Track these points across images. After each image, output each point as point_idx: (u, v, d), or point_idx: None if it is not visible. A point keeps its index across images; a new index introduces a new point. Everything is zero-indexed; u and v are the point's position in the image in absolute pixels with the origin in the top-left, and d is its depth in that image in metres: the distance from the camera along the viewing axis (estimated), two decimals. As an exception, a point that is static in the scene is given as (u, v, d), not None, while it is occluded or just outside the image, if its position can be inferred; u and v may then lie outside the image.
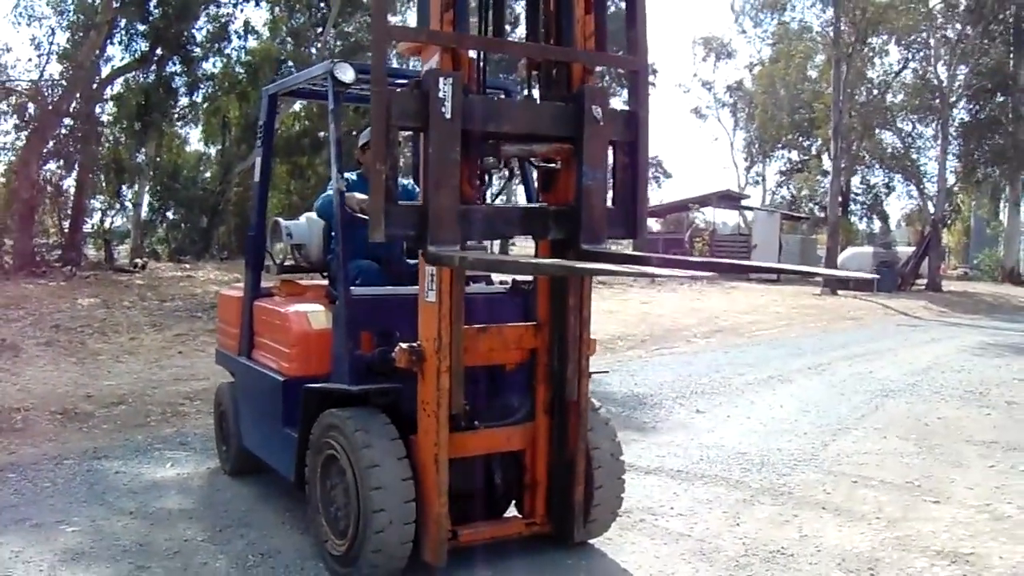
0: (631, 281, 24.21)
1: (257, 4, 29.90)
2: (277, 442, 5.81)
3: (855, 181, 45.80)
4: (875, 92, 38.40)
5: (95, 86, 25.28)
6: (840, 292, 28.49)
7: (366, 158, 6.12)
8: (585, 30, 4.97)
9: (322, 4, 31.26)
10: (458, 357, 4.63)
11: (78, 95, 24.03)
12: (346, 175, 5.77)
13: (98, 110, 26.40)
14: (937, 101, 35.29)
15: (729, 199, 42.17)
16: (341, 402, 4.91)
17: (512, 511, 5.48)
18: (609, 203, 4.97)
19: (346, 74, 5.29)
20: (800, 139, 49.81)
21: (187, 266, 24.94)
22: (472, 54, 4.91)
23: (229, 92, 30.62)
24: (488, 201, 5.26)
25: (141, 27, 25.52)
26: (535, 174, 5.22)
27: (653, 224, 44.41)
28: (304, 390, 5.19)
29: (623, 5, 5.09)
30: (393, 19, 33.34)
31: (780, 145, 52.46)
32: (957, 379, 12.13)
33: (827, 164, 39.25)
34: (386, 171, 4.22)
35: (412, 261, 5.39)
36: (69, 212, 25.08)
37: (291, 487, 5.66)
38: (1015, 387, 11.55)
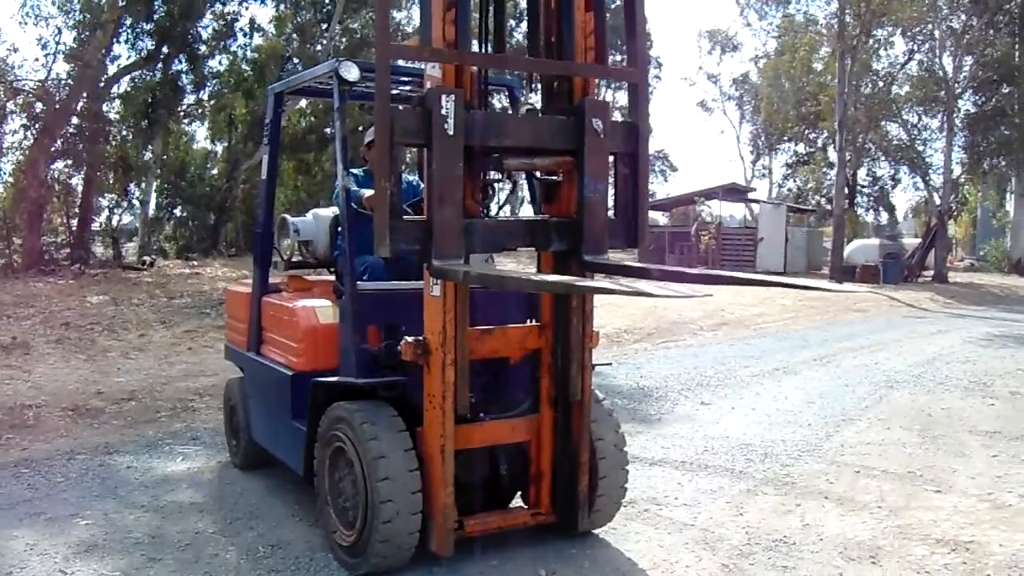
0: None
1: (263, 1, 30.02)
2: (286, 435, 5.89)
3: (861, 173, 45.64)
4: (880, 84, 38.31)
5: (102, 85, 25.33)
6: (846, 284, 28.48)
7: (372, 155, 6.20)
8: (585, 43, 5.02)
9: (327, 1, 31.28)
10: (463, 350, 4.70)
11: (85, 94, 24.09)
12: (353, 171, 5.84)
13: (105, 108, 26.44)
14: (943, 92, 35.22)
15: (735, 192, 42.12)
16: (348, 395, 4.99)
17: (517, 502, 5.56)
18: (610, 214, 5.06)
19: (351, 72, 5.34)
20: (806, 132, 49.62)
21: (195, 263, 24.98)
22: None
23: (235, 89, 30.62)
24: (493, 211, 5.33)
25: (147, 25, 25.51)
26: (538, 184, 5.28)
27: (659, 217, 44.42)
28: (312, 384, 5.26)
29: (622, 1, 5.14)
30: (397, 15, 33.46)
31: (786, 138, 52.28)
32: (962, 370, 12.17)
33: (833, 156, 39.18)
34: (391, 187, 4.29)
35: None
36: (77, 210, 25.13)
37: (300, 480, 5.74)
38: (1019, 378, 11.59)
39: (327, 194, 28.64)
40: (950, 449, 7.85)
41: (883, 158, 43.20)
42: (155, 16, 25.24)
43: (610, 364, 5.88)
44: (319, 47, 29.99)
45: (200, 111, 31.47)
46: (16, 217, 22.70)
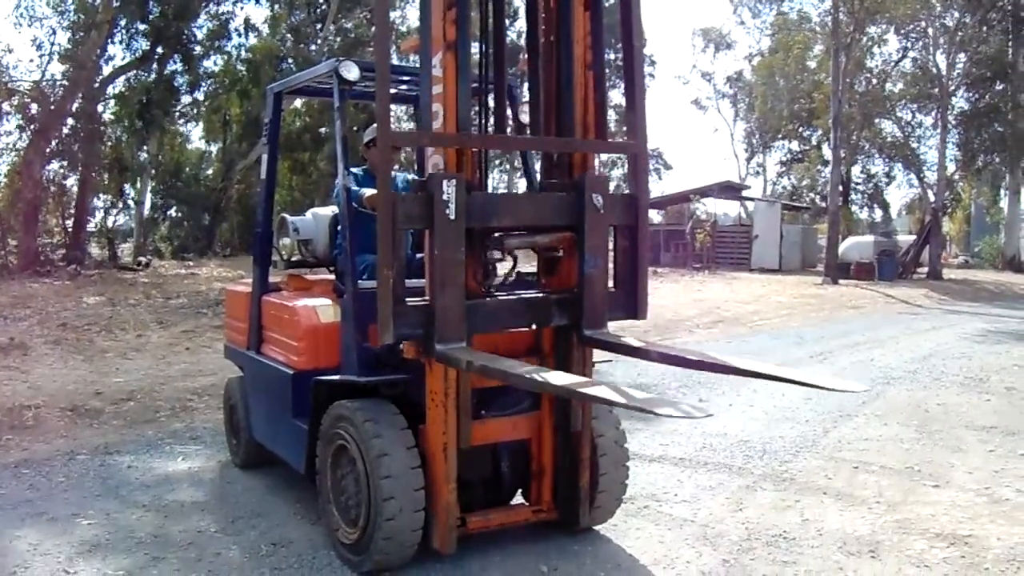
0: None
1: (257, 1, 30.01)
2: (287, 434, 5.91)
3: (855, 171, 45.78)
4: (874, 81, 38.44)
5: (97, 85, 25.34)
6: (841, 281, 28.53)
7: (371, 155, 6.23)
8: (586, 118, 5.08)
9: (321, 1, 31.31)
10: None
11: (80, 94, 24.10)
12: (352, 171, 5.86)
13: (100, 109, 26.46)
14: (936, 90, 35.32)
15: (730, 190, 42.12)
16: (350, 393, 5.02)
17: (519, 499, 5.58)
18: (610, 283, 5.13)
19: (351, 72, 5.36)
20: (800, 129, 49.75)
21: (190, 263, 25.02)
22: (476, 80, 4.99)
23: (230, 90, 30.67)
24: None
25: (141, 26, 25.54)
26: (538, 259, 5.29)
27: (654, 216, 44.39)
28: (314, 382, 5.29)
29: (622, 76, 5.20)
30: (393, 14, 33.39)
31: (780, 135, 52.41)
32: (957, 366, 12.20)
33: (827, 154, 39.28)
34: (393, 275, 4.33)
35: (419, 255, 5.47)
36: (72, 211, 25.15)
37: (301, 479, 5.77)
38: (1015, 373, 11.61)
39: (322, 194, 28.69)
40: (947, 444, 7.88)
41: (877, 155, 43.34)
42: (149, 16, 25.27)
43: (611, 361, 5.89)
44: (313, 47, 30.00)
45: (195, 111, 31.52)
46: (11, 218, 22.72)
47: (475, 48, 5.10)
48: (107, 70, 26.24)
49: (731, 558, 5.17)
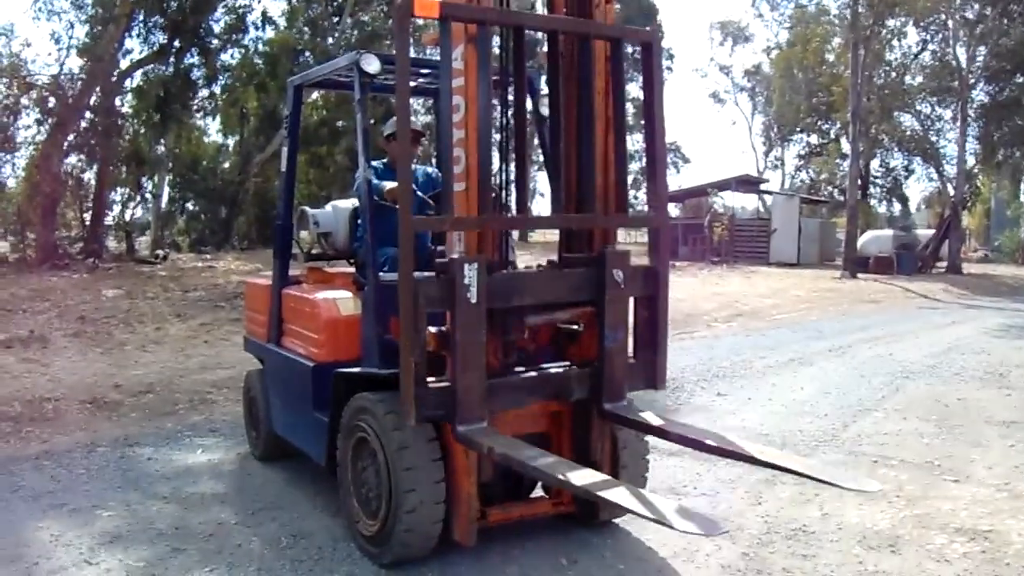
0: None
1: (274, -6, 30.01)
2: (307, 426, 5.92)
3: (874, 164, 45.62)
4: (893, 75, 38.26)
5: (114, 79, 25.37)
6: (860, 275, 28.48)
7: (391, 148, 6.23)
8: (607, 193, 5.10)
9: (338, -7, 31.32)
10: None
11: (98, 88, 24.17)
12: (373, 164, 5.86)
13: (118, 103, 26.51)
14: (956, 83, 35.13)
15: (748, 183, 42.06)
16: (371, 386, 5.01)
17: (539, 491, 5.59)
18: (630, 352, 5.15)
19: (372, 65, 5.36)
20: (818, 123, 49.59)
21: (208, 257, 25.05)
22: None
23: (247, 83, 30.65)
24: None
25: (159, 19, 25.55)
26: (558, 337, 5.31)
27: (672, 209, 44.32)
28: (334, 375, 5.30)
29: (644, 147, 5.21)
30: None
31: (798, 129, 52.26)
32: (977, 360, 12.16)
33: (846, 147, 39.08)
34: (416, 358, 4.33)
35: (440, 248, 5.48)
36: (90, 205, 25.22)
37: (320, 471, 5.80)
38: (1035, 368, 11.58)
39: (339, 187, 28.69)
40: (967, 439, 7.86)
41: (896, 149, 43.15)
42: (167, 10, 25.27)
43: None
44: (331, 40, 30.00)
45: (212, 105, 31.49)
46: (30, 212, 22.78)
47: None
48: (125, 64, 26.30)
49: (751, 551, 5.17)
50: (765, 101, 57.98)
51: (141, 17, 25.28)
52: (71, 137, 23.62)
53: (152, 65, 26.91)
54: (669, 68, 61.13)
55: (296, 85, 6.71)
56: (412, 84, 5.42)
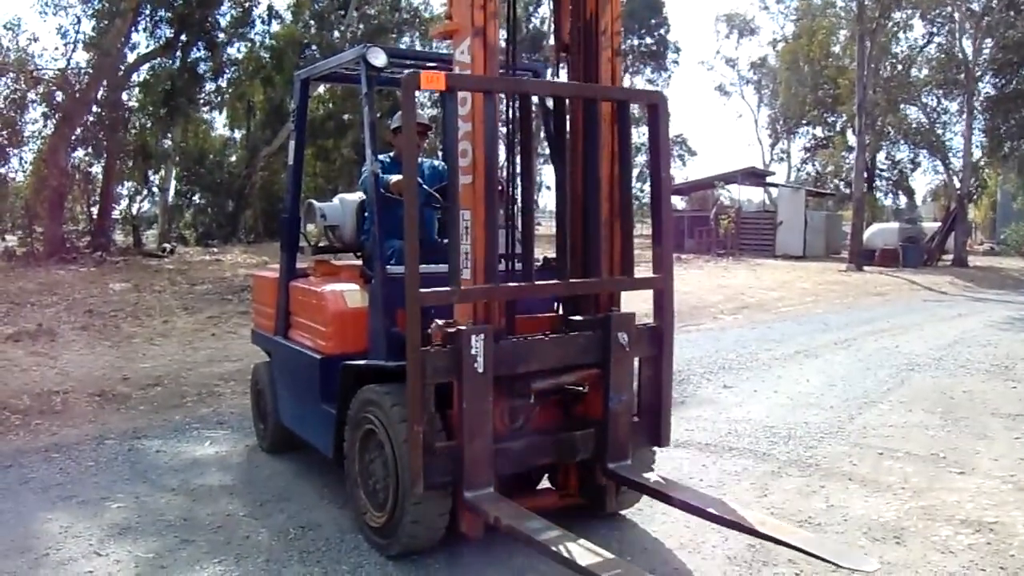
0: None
1: (280, -12, 30.04)
2: (315, 419, 5.95)
3: (880, 157, 45.57)
4: (899, 67, 38.18)
5: (121, 73, 25.43)
6: (866, 268, 28.47)
7: (397, 141, 6.25)
8: (612, 261, 5.15)
9: (344, -13, 31.32)
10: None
11: (104, 82, 24.22)
12: (379, 157, 5.87)
13: (124, 97, 26.57)
14: (962, 75, 35.03)
15: (754, 176, 41.99)
16: (379, 378, 5.02)
17: (545, 483, 5.62)
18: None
19: (378, 58, 5.37)
20: (824, 115, 49.57)
21: (215, 250, 25.11)
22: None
23: (254, 77, 30.69)
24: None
25: (165, 13, 25.58)
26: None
27: (678, 202, 44.35)
28: (342, 367, 5.31)
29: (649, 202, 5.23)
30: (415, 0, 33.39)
31: (804, 121, 52.23)
32: (983, 353, 12.15)
33: (852, 140, 39.06)
34: (424, 428, 4.34)
35: (444, 240, 5.49)
36: (97, 198, 25.31)
37: (327, 463, 5.82)
38: (1041, 360, 11.58)
39: (346, 180, 28.73)
40: (973, 431, 7.86)
41: (902, 141, 43.03)
42: (173, 4, 25.30)
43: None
44: (337, 34, 30.03)
45: (219, 98, 31.52)
46: (37, 205, 22.87)
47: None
48: (131, 58, 26.36)
49: (757, 543, 5.16)
50: (771, 94, 57.88)
51: (147, 11, 25.34)
52: (78, 131, 23.67)
53: (159, 59, 26.96)
54: (675, 62, 61.26)
55: (303, 79, 6.72)
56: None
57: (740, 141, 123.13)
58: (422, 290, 4.22)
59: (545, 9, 37.21)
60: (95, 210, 25.10)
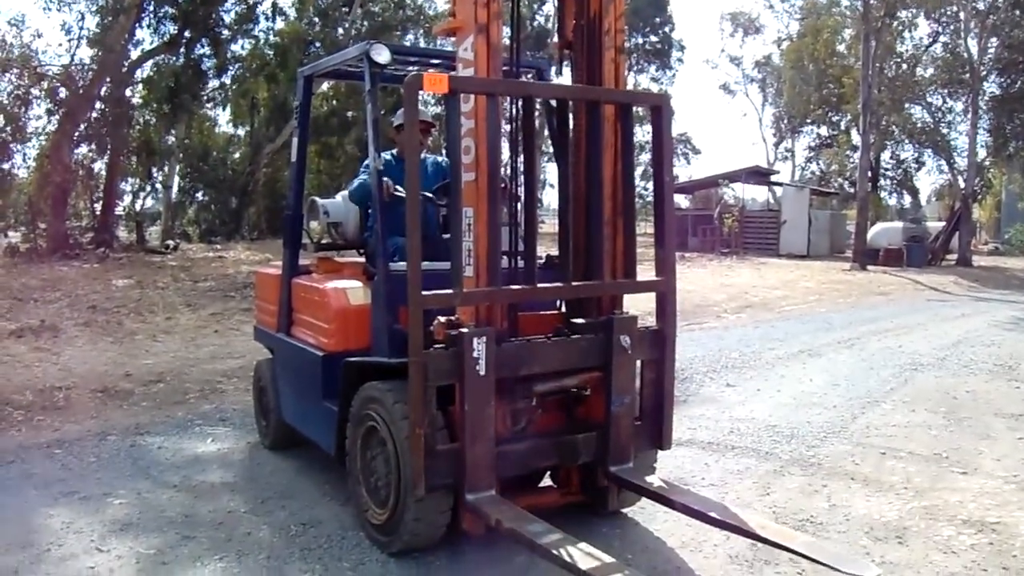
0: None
1: (285, -15, 30.05)
2: (317, 415, 5.94)
3: (885, 156, 45.50)
4: (904, 66, 38.14)
5: (125, 69, 25.45)
6: (870, 267, 28.46)
7: (400, 138, 6.24)
8: (615, 263, 5.14)
9: (349, -16, 31.33)
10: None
11: (108, 79, 24.23)
12: (382, 155, 5.86)
13: (128, 93, 26.59)
14: (967, 75, 34.98)
15: (758, 175, 41.97)
16: (381, 375, 5.02)
17: (547, 481, 5.62)
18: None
19: (382, 55, 5.36)
20: (829, 114, 49.48)
21: (218, 247, 25.14)
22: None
23: (258, 74, 30.74)
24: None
25: (169, 10, 25.62)
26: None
27: (682, 201, 44.33)
28: (344, 364, 5.31)
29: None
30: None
31: (809, 120, 52.15)
32: (986, 353, 12.13)
33: (856, 139, 38.97)
34: (425, 430, 4.34)
35: (445, 236, 5.49)
36: (101, 195, 25.33)
37: (329, 460, 5.81)
38: (1045, 361, 11.56)
39: (349, 177, 28.72)
40: (976, 431, 7.85)
41: (907, 141, 42.98)
42: (178, 0, 25.29)
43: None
44: (341, 31, 30.04)
45: (223, 95, 31.58)
46: (41, 202, 22.89)
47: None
48: (135, 54, 26.39)
49: (758, 542, 5.17)
50: (775, 92, 57.84)
51: (151, 7, 25.37)
52: (82, 127, 23.70)
53: (162, 55, 27.00)
54: (680, 60, 61.25)
55: (306, 75, 6.72)
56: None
57: (744, 140, 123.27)
58: (425, 292, 4.22)
59: (549, 7, 37.20)
60: (98, 206, 25.13)
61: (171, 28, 26.21)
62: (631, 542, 5.17)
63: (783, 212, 36.88)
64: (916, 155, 45.13)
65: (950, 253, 34.26)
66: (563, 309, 5.46)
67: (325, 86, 29.25)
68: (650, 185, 35.82)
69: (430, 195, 5.99)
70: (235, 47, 29.52)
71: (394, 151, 6.46)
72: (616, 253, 5.14)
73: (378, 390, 4.93)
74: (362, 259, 6.45)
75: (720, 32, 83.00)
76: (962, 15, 35.29)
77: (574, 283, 5.04)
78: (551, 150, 6.22)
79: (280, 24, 31.10)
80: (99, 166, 25.79)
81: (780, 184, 43.33)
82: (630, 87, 24.83)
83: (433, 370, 4.38)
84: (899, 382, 9.94)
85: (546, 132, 5.85)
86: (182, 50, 26.93)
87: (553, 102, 5.39)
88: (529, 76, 6.19)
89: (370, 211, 6.09)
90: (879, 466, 6.74)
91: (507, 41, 5.18)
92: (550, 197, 39.81)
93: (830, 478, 6.41)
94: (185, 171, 33.66)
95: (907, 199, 50.25)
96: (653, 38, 54.02)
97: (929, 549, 5.11)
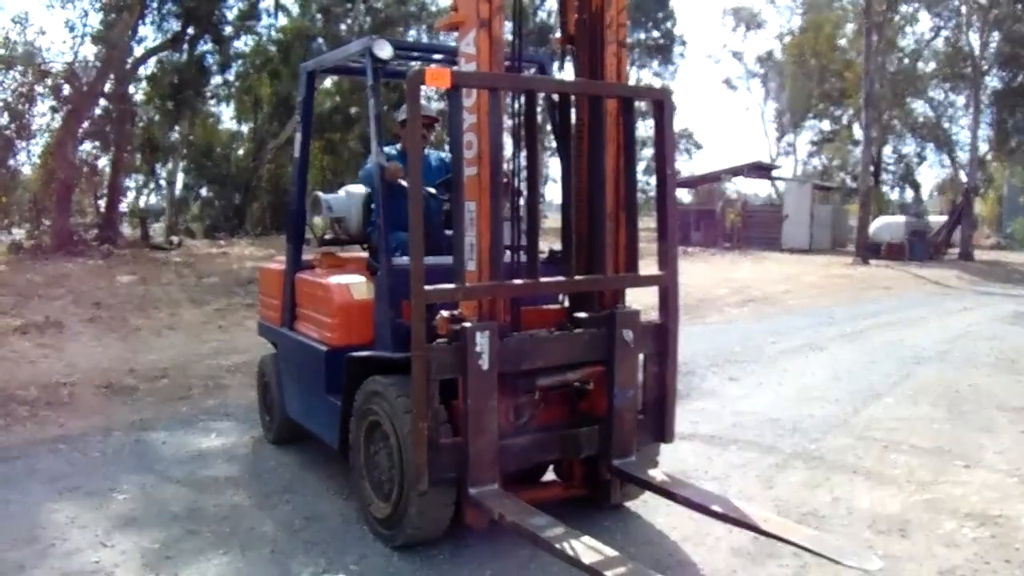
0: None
1: (287, -19, 30.05)
2: (320, 410, 5.96)
3: (886, 151, 45.50)
4: (906, 61, 38.14)
5: (128, 66, 25.43)
6: (872, 261, 28.45)
7: (405, 133, 6.25)
8: (617, 257, 5.16)
9: (351, -21, 31.33)
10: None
11: (112, 76, 24.20)
12: (386, 149, 5.87)
13: (132, 90, 26.58)
14: (969, 69, 34.98)
15: (760, 170, 41.99)
16: (384, 369, 5.03)
17: (550, 475, 5.63)
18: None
19: (384, 50, 5.37)
20: (831, 109, 49.50)
21: (222, 243, 25.12)
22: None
23: (261, 70, 30.74)
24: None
25: (172, 7, 25.61)
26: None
27: (684, 195, 44.31)
28: (347, 358, 5.32)
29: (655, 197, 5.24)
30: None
31: (811, 115, 52.17)
32: (988, 347, 12.14)
33: (858, 134, 39.02)
34: (428, 424, 4.36)
35: (448, 232, 5.50)
36: (105, 191, 25.28)
37: (333, 455, 5.83)
38: (1047, 354, 11.56)
39: (353, 173, 28.71)
40: (978, 425, 7.86)
41: (909, 135, 43.01)
42: (181, -3, 25.34)
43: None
44: (343, 26, 30.03)
45: (226, 92, 31.58)
46: (45, 198, 22.84)
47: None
48: (139, 51, 26.38)
49: (761, 535, 5.19)
50: (778, 87, 57.73)
51: (155, 4, 25.35)
52: (85, 124, 23.65)
53: (166, 52, 27.01)
54: (682, 55, 61.19)
55: (309, 71, 6.72)
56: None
57: (746, 135, 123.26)
58: (427, 287, 4.23)
59: (551, 1, 37.12)
60: (102, 203, 25.08)
61: (174, 25, 26.21)
62: (634, 535, 5.18)
63: (785, 207, 36.88)
64: (918, 149, 45.25)
65: (952, 247, 34.26)
66: (566, 303, 5.46)
67: (328, 82, 29.26)
68: (652, 180, 35.91)
69: (432, 190, 6.00)
70: (238, 43, 29.58)
71: (398, 146, 6.47)
72: (618, 247, 5.15)
73: (381, 384, 4.94)
74: (365, 254, 6.45)
75: (722, 27, 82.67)
76: (964, 9, 35.34)
77: (576, 277, 5.06)
78: (553, 145, 6.23)
79: (283, 20, 31.17)
80: (103, 163, 25.73)
81: (782, 179, 43.39)
82: (632, 82, 24.80)
83: (436, 364, 4.39)
84: (901, 376, 9.95)
85: (548, 127, 5.84)
86: (185, 47, 26.95)
87: (555, 97, 5.40)
88: (531, 71, 6.21)
89: (373, 206, 6.09)
90: (881, 459, 6.75)
91: (509, 36, 5.18)
92: (552, 192, 39.84)
93: (832, 471, 6.42)
94: (189, 167, 33.67)
95: (909, 193, 50.29)
96: (655, 33, 53.91)
97: (932, 542, 5.13)
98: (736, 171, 40.73)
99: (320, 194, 6.78)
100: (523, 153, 5.09)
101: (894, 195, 50.89)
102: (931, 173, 77.58)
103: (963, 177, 36.44)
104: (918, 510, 5.65)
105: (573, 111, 5.25)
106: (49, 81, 23.29)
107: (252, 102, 33.37)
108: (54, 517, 5.44)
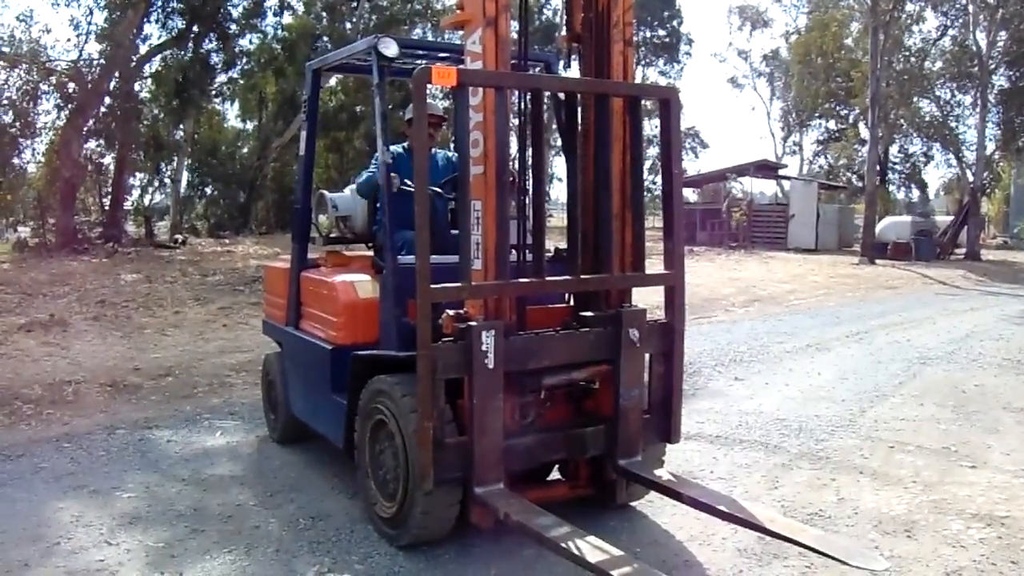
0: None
1: (292, -20, 30.05)
2: (326, 409, 5.95)
3: (893, 150, 45.47)
4: (913, 60, 38.06)
5: (133, 64, 25.46)
6: (878, 261, 28.42)
7: (411, 132, 6.24)
8: (624, 256, 5.14)
9: (356, -22, 31.34)
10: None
11: (117, 74, 24.25)
12: (391, 148, 5.86)
13: (137, 88, 26.63)
14: (976, 68, 34.90)
15: (766, 168, 41.93)
16: (389, 368, 5.01)
17: (556, 474, 5.62)
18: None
19: (390, 49, 5.35)
20: (837, 108, 49.45)
21: (226, 241, 25.16)
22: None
23: (266, 68, 30.75)
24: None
25: (177, 4, 25.62)
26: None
27: (690, 194, 44.26)
28: (353, 357, 5.30)
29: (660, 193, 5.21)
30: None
31: (817, 114, 52.12)
32: (995, 347, 12.10)
33: (864, 133, 39.00)
34: (434, 424, 4.34)
35: (453, 232, 5.49)
36: (109, 189, 25.35)
37: (338, 454, 5.81)
38: (1054, 355, 11.53)
39: (358, 171, 28.78)
40: (984, 425, 7.83)
41: (915, 135, 42.93)
42: (186, -5, 25.34)
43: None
44: (349, 25, 30.04)
45: (231, 90, 31.61)
46: (50, 197, 22.92)
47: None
48: (143, 49, 26.39)
49: (767, 536, 5.17)
50: (783, 86, 57.69)
51: (160, 2, 25.37)
52: (90, 122, 23.73)
53: (171, 50, 26.99)
54: (688, 54, 61.13)
55: (314, 69, 6.71)
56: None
57: (752, 134, 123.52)
58: (433, 286, 4.22)
59: (557, 0, 37.11)
60: (107, 201, 25.15)
61: (179, 23, 26.20)
62: (639, 535, 5.16)
63: (791, 206, 36.84)
64: (925, 149, 45.17)
65: (958, 247, 34.19)
66: (571, 302, 5.45)
67: (334, 80, 29.24)
68: (658, 179, 35.92)
69: (438, 189, 5.99)
70: (243, 42, 29.56)
71: (405, 144, 6.45)
72: (624, 246, 5.13)
73: (386, 383, 4.93)
74: (371, 253, 6.44)
75: (728, 26, 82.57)
76: (971, 8, 35.21)
77: (582, 276, 5.05)
78: (559, 143, 6.22)
79: (288, 18, 31.15)
80: (108, 161, 25.84)
81: (788, 178, 43.32)
82: (638, 81, 24.79)
83: (442, 363, 4.38)
84: (908, 376, 9.92)
85: (554, 125, 5.82)
86: (190, 45, 26.92)
87: (561, 95, 5.38)
88: (537, 69, 6.20)
89: (379, 205, 6.08)
90: (888, 460, 6.73)
91: (515, 34, 5.17)
92: (558, 191, 39.83)
93: (838, 472, 6.40)
94: (194, 166, 33.69)
95: (915, 193, 50.25)
96: (661, 32, 54.04)
97: (938, 543, 5.10)
98: (742, 170, 40.67)
99: (325, 193, 6.78)
100: (529, 152, 5.08)
101: (900, 195, 50.85)
102: (938, 172, 77.57)
103: (970, 177, 36.33)
104: (924, 511, 5.62)
105: (579, 110, 5.23)
106: (54, 79, 23.39)
107: (257, 100, 33.43)
108: (59, 515, 5.43)
